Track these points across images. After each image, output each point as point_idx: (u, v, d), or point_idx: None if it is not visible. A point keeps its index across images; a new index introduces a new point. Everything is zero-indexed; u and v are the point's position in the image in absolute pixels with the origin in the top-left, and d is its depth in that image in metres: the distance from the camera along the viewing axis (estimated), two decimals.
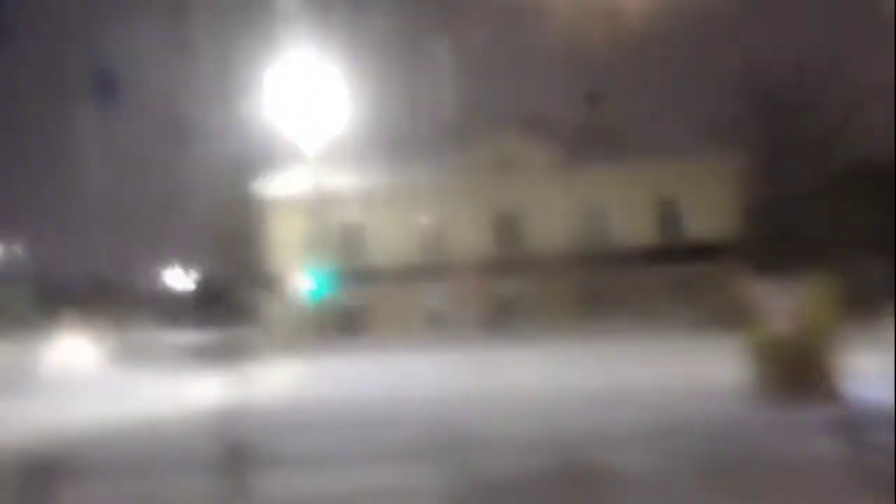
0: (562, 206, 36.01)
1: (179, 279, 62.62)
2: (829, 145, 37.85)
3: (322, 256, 33.64)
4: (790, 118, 38.00)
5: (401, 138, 36.82)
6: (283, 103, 29.82)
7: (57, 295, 56.66)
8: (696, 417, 12.20)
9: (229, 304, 42.52)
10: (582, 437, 11.07)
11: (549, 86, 45.41)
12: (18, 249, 56.95)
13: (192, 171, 42.47)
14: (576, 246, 34.99)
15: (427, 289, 35.35)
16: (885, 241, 32.93)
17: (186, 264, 60.94)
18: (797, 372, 13.04)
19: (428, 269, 35.56)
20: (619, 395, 14.94)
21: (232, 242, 43.00)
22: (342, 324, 35.83)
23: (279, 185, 37.31)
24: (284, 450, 11.09)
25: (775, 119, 38.60)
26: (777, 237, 36.40)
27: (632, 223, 36.26)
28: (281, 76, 29.61)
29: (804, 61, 36.53)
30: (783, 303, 13.56)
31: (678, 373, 17.73)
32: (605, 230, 36.30)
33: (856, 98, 36.41)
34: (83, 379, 26.31)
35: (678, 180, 35.86)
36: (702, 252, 34.79)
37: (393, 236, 36.80)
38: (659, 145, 35.85)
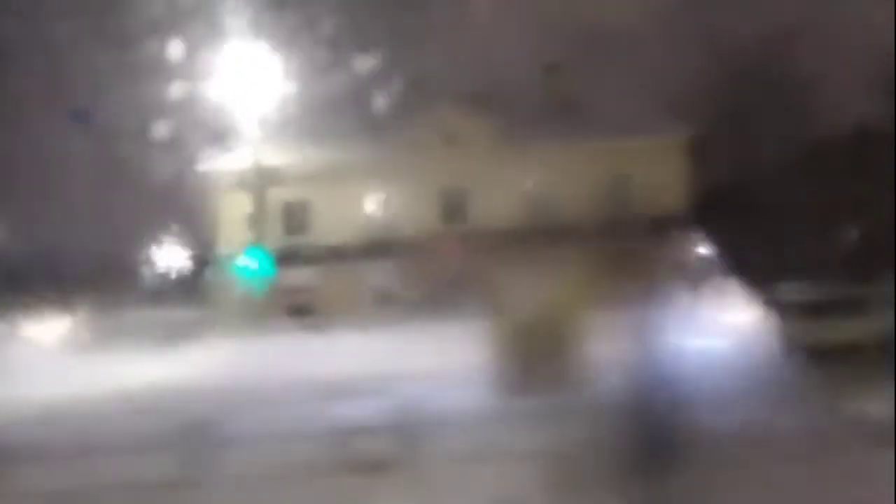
0: (509, 183, 35.75)
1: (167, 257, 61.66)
2: (795, 117, 38.07)
3: (266, 235, 33.26)
4: (755, 90, 38.22)
5: (345, 114, 36.41)
6: (226, 82, 29.48)
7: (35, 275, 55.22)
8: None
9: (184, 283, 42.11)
10: None
11: (503, 59, 45.23)
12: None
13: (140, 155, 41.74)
14: (523, 223, 34.90)
15: (373, 267, 35.09)
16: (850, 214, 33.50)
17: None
18: (537, 359, 12.56)
19: (373, 246, 35.23)
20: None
21: (181, 222, 42.47)
22: (287, 303, 35.36)
23: (223, 164, 36.72)
24: None
25: (740, 92, 38.87)
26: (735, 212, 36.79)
27: (581, 199, 35.59)
28: (223, 56, 29.25)
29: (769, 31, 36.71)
30: (530, 289, 13.35)
31: None
32: (553, 207, 36.01)
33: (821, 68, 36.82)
34: (40, 361, 25.84)
35: (631, 156, 35.63)
36: (653, 228, 34.25)
37: (338, 214, 36.32)
38: (615, 120, 35.67)
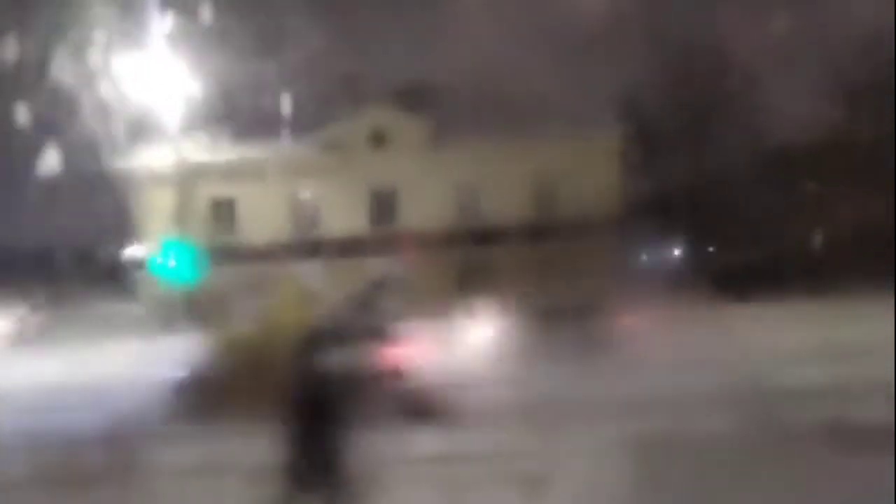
0: (438, 183, 35.61)
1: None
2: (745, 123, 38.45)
3: (192, 232, 32.73)
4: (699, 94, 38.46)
5: (274, 111, 35.99)
6: (153, 77, 28.96)
7: None
8: None
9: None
10: None
11: (438, 57, 45.18)
12: None
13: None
14: (451, 223, 34.94)
15: (300, 267, 34.72)
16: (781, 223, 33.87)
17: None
18: (249, 375, 12.25)
19: (300, 246, 34.86)
20: None
21: (108, 219, 41.70)
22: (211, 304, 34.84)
23: (149, 161, 36.07)
24: None
25: (683, 96, 39.09)
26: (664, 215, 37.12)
27: (509, 201, 35.90)
28: (149, 50, 28.72)
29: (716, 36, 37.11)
30: (251, 301, 13.26)
31: None
32: (481, 208, 36.11)
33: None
34: None
35: (560, 158, 35.43)
36: (578, 230, 34.57)
37: (265, 212, 35.93)
38: (549, 121, 35.50)
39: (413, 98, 36.43)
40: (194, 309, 33.16)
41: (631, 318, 21.52)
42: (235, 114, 34.56)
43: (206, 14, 32.17)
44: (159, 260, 31.52)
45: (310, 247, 34.45)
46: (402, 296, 33.41)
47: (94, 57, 30.49)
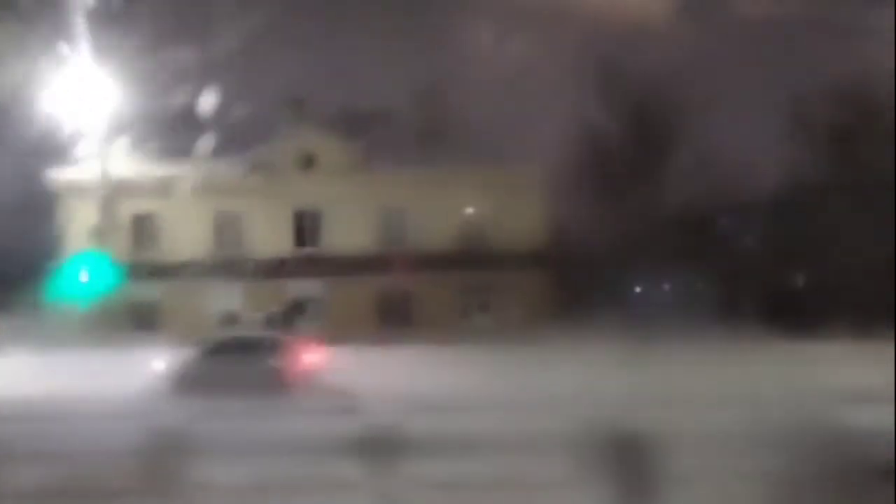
0: (363, 207, 35.57)
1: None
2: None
3: (113, 248, 32.43)
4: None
5: (202, 130, 35.86)
6: (79, 93, 28.83)
7: None
8: None
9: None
10: None
11: (377, 81, 45.11)
12: None
13: None
14: (375, 248, 35.08)
15: (221, 286, 34.56)
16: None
17: None
18: None
19: (223, 265, 34.52)
20: None
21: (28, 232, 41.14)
22: (131, 319, 34.47)
23: (72, 175, 35.70)
24: None
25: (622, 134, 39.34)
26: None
27: (433, 228, 35.75)
28: (75, 67, 28.60)
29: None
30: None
31: None
32: (405, 234, 36.08)
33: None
34: None
35: (485, 188, 35.51)
36: (502, 261, 34.71)
37: (188, 230, 35.60)
38: (481, 151, 35.34)
39: (344, 122, 36.54)
40: (107, 322, 32.88)
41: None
42: (163, 130, 34.45)
43: (135, 30, 32.43)
44: (72, 273, 31.24)
45: (232, 266, 34.27)
46: (317, 317, 33.82)
47: (18, 72, 30.47)
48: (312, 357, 21.33)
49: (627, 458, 8.68)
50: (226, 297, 34.63)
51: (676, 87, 36.72)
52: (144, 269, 33.95)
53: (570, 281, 35.10)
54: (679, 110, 37.42)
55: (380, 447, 9.23)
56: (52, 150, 35.28)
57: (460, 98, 38.21)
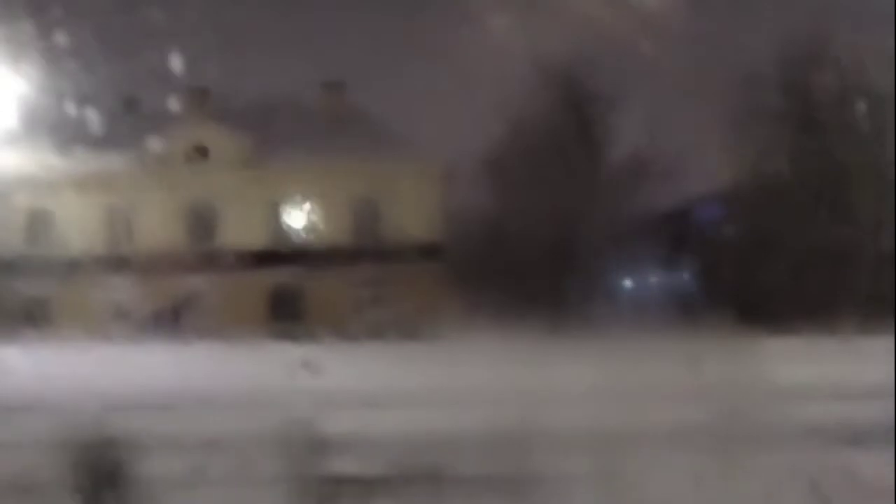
0: (257, 201, 35.75)
1: None
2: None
3: (6, 242, 32.39)
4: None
5: (93, 124, 35.69)
6: None
7: None
8: None
9: None
10: None
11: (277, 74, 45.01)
12: None
13: None
14: (268, 242, 35.43)
15: (114, 281, 34.55)
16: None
17: None
18: None
19: (116, 260, 34.54)
20: None
21: None
22: (24, 314, 34.33)
23: None
24: None
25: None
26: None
27: (328, 221, 36.28)
28: None
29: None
30: None
31: None
32: (297, 227, 36.62)
33: None
34: None
35: (380, 180, 35.78)
36: (397, 254, 35.07)
37: (81, 224, 35.30)
38: (380, 143, 35.45)
39: (238, 115, 36.38)
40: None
41: None
42: (55, 124, 34.31)
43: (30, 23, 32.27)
44: None
45: (123, 260, 34.35)
46: (205, 312, 33.90)
47: None
48: None
49: None
50: (119, 293, 34.63)
51: (610, 77, 36.84)
52: (38, 264, 33.85)
53: (469, 274, 35.23)
54: (611, 101, 37.81)
55: None
56: None
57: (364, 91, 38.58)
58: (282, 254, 34.98)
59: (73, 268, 34.20)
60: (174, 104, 35.45)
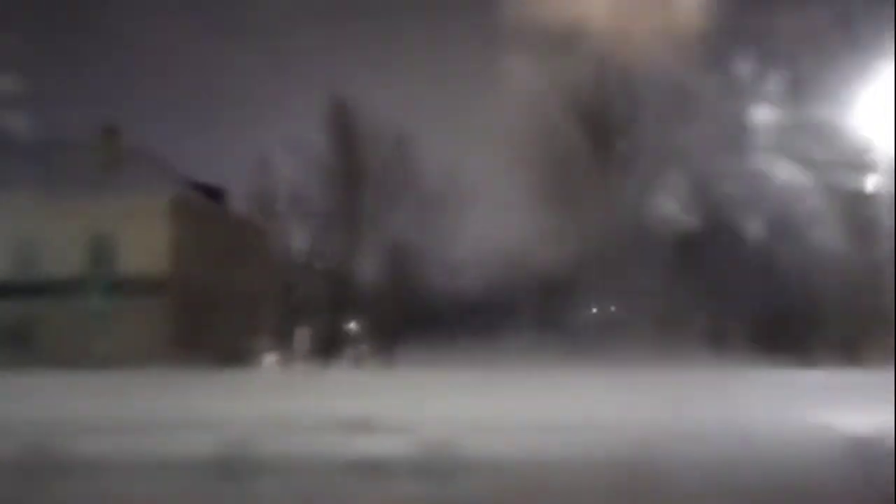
0: None
1: None
2: None
3: None
4: None
5: None
6: None
7: None
8: None
9: None
10: None
11: None
12: None
13: None
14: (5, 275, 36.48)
15: None
16: None
17: None
18: None
19: None
20: None
21: None
22: None
23: None
24: None
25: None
26: None
27: (63, 255, 37.12)
28: None
29: None
30: None
31: None
32: (35, 261, 37.33)
33: None
34: None
35: (113, 215, 36.84)
36: (128, 287, 36.34)
37: None
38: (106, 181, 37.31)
39: None
40: None
41: None
42: None
43: None
44: None
45: None
46: None
47: None
48: None
49: None
50: None
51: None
52: None
53: (195, 309, 36.20)
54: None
55: None
56: None
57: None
58: (15, 285, 36.11)
59: None
60: None
